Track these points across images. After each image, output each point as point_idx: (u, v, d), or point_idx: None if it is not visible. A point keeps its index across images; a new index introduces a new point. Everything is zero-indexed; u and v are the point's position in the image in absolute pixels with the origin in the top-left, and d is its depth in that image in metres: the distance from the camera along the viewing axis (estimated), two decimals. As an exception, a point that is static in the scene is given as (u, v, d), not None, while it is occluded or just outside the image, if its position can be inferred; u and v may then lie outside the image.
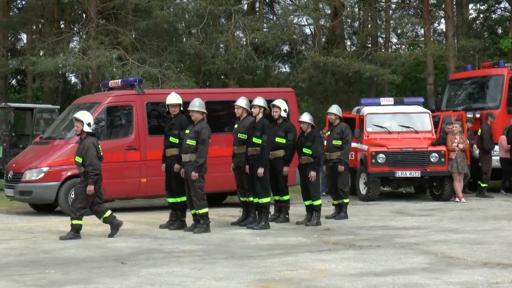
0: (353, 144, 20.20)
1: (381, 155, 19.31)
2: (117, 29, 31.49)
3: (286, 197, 14.89)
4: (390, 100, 21.34)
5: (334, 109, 15.88)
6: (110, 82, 18.70)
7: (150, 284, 8.60)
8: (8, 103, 25.16)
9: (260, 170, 13.73)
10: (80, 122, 12.68)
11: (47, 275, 9.21)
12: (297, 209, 15.98)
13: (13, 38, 43.41)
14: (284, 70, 41.90)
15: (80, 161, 12.59)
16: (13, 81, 48.01)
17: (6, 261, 10.36)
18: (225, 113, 18.01)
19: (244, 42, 31.30)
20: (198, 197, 13.32)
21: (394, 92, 39.12)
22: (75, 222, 12.62)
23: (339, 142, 15.47)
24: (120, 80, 18.79)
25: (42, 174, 16.39)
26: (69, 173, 16.30)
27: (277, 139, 14.58)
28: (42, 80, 33.35)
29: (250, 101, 14.28)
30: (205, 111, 13.72)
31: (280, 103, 14.82)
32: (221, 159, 16.08)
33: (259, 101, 14.08)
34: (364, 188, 19.80)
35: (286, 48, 40.45)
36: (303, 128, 14.59)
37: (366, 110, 20.71)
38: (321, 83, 34.37)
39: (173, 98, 14.02)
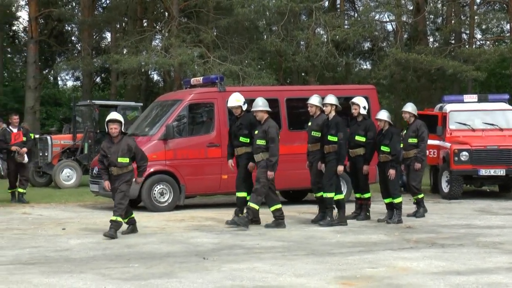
0: (436, 142, 20.03)
1: (464, 153, 19.02)
2: (199, 27, 31.86)
3: (367, 195, 14.83)
4: (474, 97, 21.01)
5: (409, 107, 15.75)
6: (191, 80, 18.90)
7: (232, 279, 8.68)
8: (93, 101, 25.70)
9: (340, 168, 13.71)
10: (118, 123, 12.55)
11: (131, 269, 9.38)
12: (378, 207, 15.90)
13: (97, 37, 44.36)
14: (365, 67, 41.70)
15: (127, 161, 12.49)
16: (98, 79, 49.00)
17: (92, 255, 10.60)
18: (306, 110, 17.97)
19: (325, 39, 31.27)
20: (257, 193, 13.45)
21: (478, 89, 38.51)
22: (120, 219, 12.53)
23: (414, 140, 15.37)
24: (201, 78, 18.95)
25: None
26: (152, 169, 16.53)
27: (357, 137, 14.54)
28: (126, 77, 33.93)
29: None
30: (269, 109, 13.78)
31: (359, 100, 14.75)
32: (302, 156, 16.06)
33: (331, 99, 13.99)
34: (447, 186, 19.54)
35: (367, 45, 40.28)
36: (380, 126, 14.49)
37: (449, 107, 20.44)
38: (403, 80, 34.08)
39: (232, 101, 14.07)
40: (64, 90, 50.93)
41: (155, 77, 47.58)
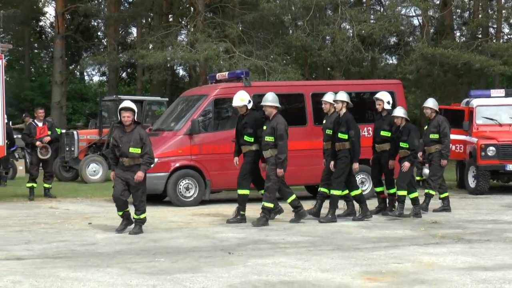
0: (462, 137, 19.92)
1: (491, 148, 18.90)
2: (224, 22, 31.89)
3: (392, 191, 14.76)
4: (501, 92, 20.84)
5: (430, 102, 15.61)
6: (217, 75, 18.92)
7: (257, 274, 8.70)
8: (118, 96, 25.84)
9: (355, 165, 13.68)
10: (131, 111, 12.08)
11: (157, 264, 9.42)
12: (406, 202, 15.82)
13: (123, 32, 44.52)
14: (391, 61, 41.51)
15: (138, 152, 12.07)
16: (124, 74, 49.22)
17: (118, 249, 10.66)
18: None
19: (351, 34, 31.18)
20: (269, 191, 13.34)
21: (505, 83, 38.20)
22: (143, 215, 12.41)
23: (436, 136, 15.24)
24: (227, 73, 18.99)
25: (151, 165, 16.71)
26: (177, 164, 16.63)
27: (382, 132, 14.49)
28: (151, 73, 34.05)
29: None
30: (278, 105, 13.58)
31: (383, 95, 14.68)
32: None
33: (342, 95, 13.87)
34: (473, 181, 19.43)
35: (393, 39, 40.06)
36: (397, 123, 14.32)
37: (475, 102, 20.30)
38: (429, 75, 33.90)
39: (237, 100, 13.83)
40: (90, 85, 51.23)
41: (181, 72, 47.77)
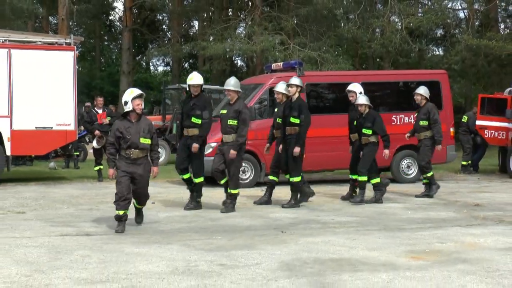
0: (505, 124, 19.60)
1: (533, 135, 18.55)
2: (280, 16, 31.80)
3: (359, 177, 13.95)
4: (543, 81, 20.44)
5: (421, 89, 14.90)
6: (272, 65, 18.90)
7: (308, 251, 8.69)
8: (181, 85, 25.95)
9: (297, 149, 12.93)
10: (143, 98, 10.48)
11: (214, 241, 9.47)
12: (448, 185, 15.66)
13: (186, 25, 44.74)
14: (437, 53, 40.99)
15: (149, 142, 10.49)
16: (186, 64, 49.51)
17: (178, 227, 10.74)
18: (380, 94, 17.86)
19: (400, 27, 30.84)
20: (234, 178, 12.65)
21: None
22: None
23: (425, 122, 14.54)
24: (282, 63, 18.94)
25: (210, 149, 16.77)
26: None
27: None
28: (212, 63, 34.16)
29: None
30: (240, 90, 12.88)
31: (354, 87, 14.22)
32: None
33: (295, 80, 13.33)
34: (515, 166, 19.10)
35: (440, 31, 39.53)
36: (360, 110, 13.74)
37: (518, 91, 19.90)
38: (473, 65, 33.37)
39: (197, 79, 12.76)
40: (155, 75, 51.64)
41: (239, 62, 47.81)
